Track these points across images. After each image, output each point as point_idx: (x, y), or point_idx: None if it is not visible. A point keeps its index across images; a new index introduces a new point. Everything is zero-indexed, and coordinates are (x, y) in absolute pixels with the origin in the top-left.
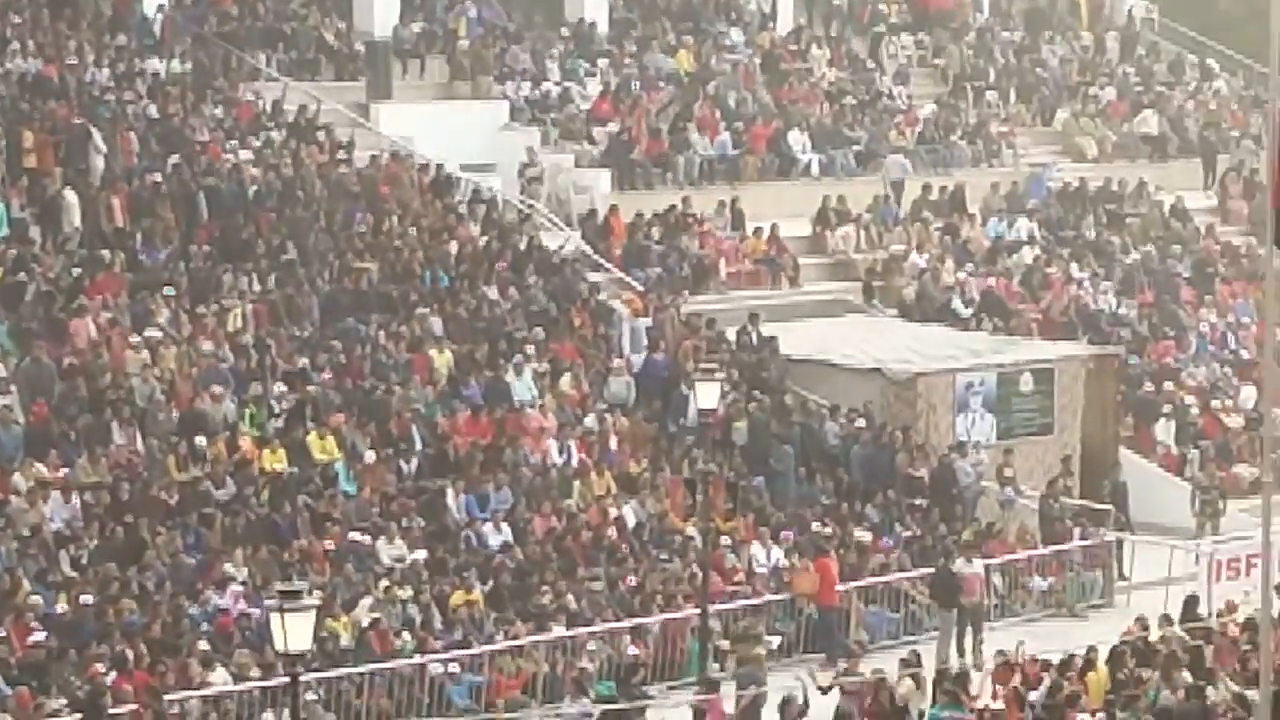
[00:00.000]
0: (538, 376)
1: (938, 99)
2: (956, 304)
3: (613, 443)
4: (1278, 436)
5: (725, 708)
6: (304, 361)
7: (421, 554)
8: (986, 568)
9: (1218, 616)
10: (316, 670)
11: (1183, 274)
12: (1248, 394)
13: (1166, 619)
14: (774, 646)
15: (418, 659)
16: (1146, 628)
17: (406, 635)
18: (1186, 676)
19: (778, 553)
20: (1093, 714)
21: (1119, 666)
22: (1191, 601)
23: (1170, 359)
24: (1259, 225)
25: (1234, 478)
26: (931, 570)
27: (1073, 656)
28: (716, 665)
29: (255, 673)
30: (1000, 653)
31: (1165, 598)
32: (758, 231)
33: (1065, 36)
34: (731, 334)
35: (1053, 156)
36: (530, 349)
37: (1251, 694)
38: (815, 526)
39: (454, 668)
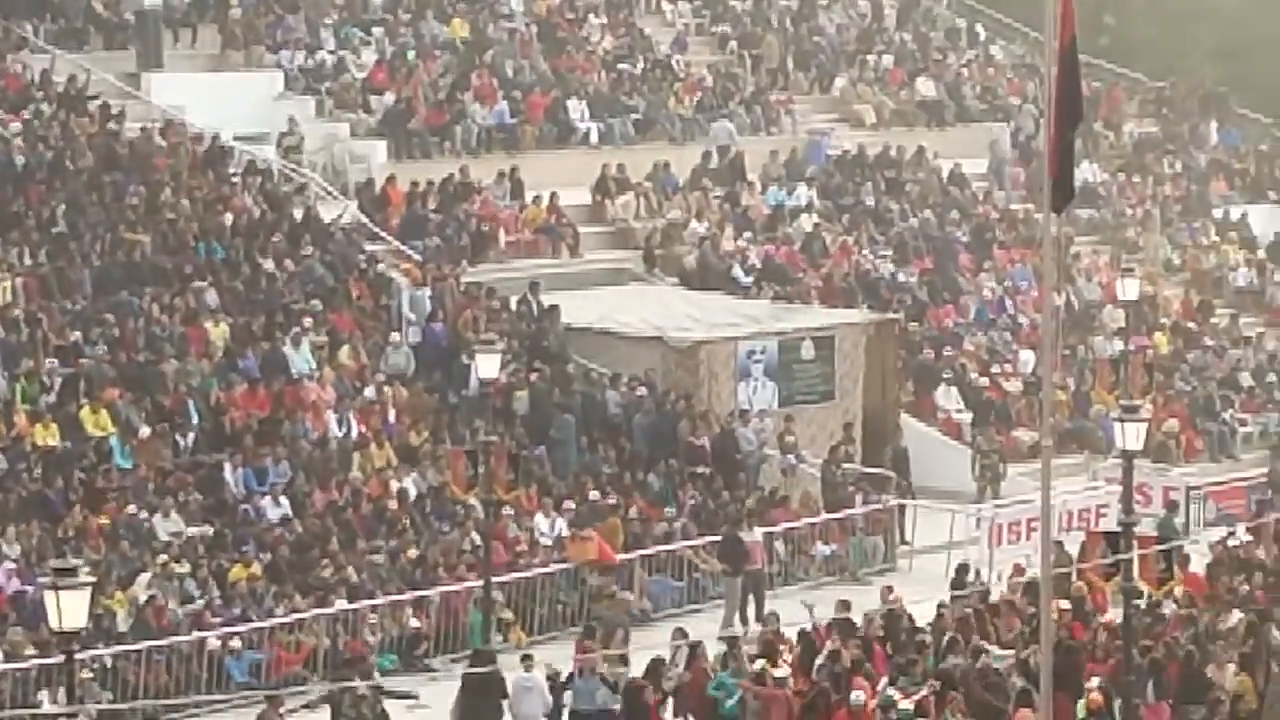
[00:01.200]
0: (316, 348)
1: (716, 66)
2: (737, 271)
3: (392, 414)
4: (1055, 400)
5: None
6: (76, 335)
7: (199, 529)
8: (769, 535)
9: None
10: (93, 648)
11: (961, 240)
12: (1026, 358)
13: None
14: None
15: (196, 635)
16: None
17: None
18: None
19: (560, 522)
20: (876, 679)
21: (900, 631)
22: (962, 569)
23: (950, 324)
24: (1037, 191)
25: (1013, 442)
26: (715, 538)
27: (854, 622)
28: (499, 636)
29: (30, 651)
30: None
31: (947, 562)
32: (537, 200)
33: (843, 4)
34: (512, 303)
35: (831, 124)
36: (308, 321)
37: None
38: (597, 496)
39: (234, 643)
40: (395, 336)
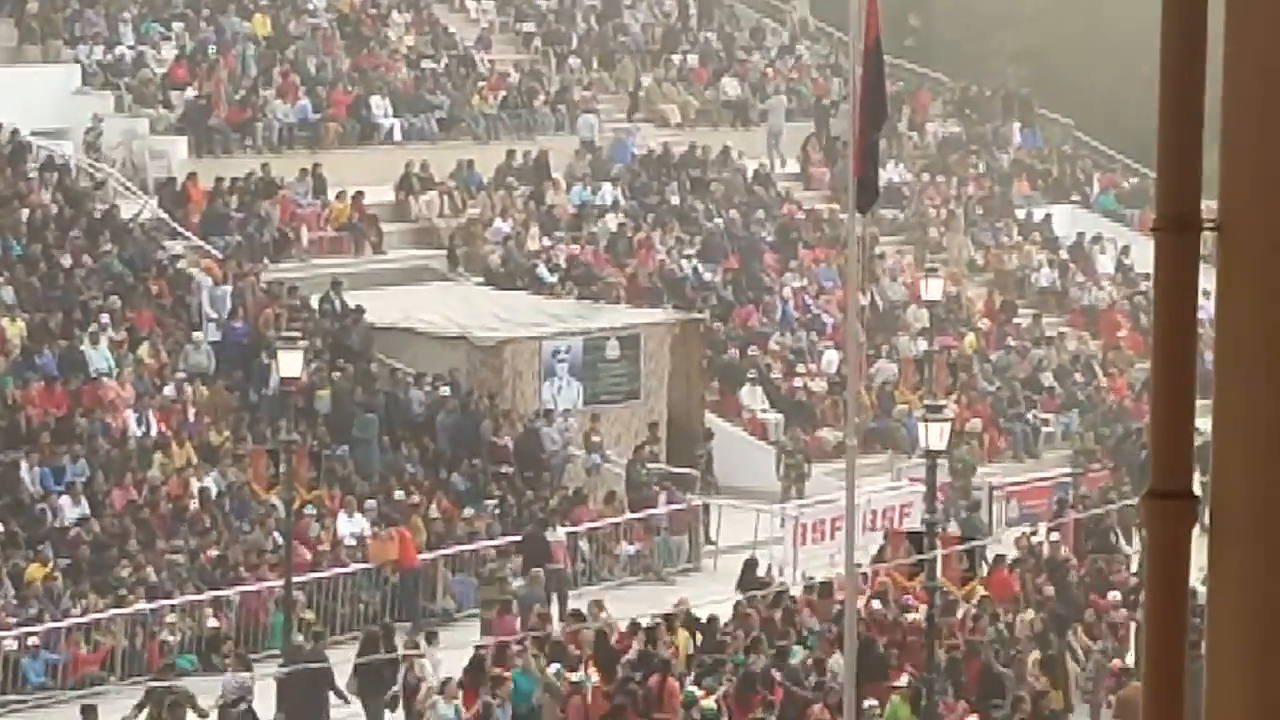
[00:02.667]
0: (114, 345)
1: (520, 65)
2: (542, 270)
3: (193, 412)
4: (860, 400)
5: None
6: None
7: None
8: (573, 534)
9: (804, 581)
10: None
11: (766, 239)
12: (831, 358)
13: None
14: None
15: None
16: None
17: None
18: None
19: (363, 522)
20: (680, 678)
21: (704, 632)
22: (750, 565)
23: (754, 324)
24: (841, 191)
25: (818, 441)
26: (518, 538)
27: (659, 622)
28: (300, 636)
29: None
30: (575, 613)
31: (757, 560)
32: (340, 197)
33: (648, 2)
34: (314, 301)
35: (636, 123)
36: (106, 318)
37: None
38: (400, 495)
39: (32, 642)
40: (196, 335)
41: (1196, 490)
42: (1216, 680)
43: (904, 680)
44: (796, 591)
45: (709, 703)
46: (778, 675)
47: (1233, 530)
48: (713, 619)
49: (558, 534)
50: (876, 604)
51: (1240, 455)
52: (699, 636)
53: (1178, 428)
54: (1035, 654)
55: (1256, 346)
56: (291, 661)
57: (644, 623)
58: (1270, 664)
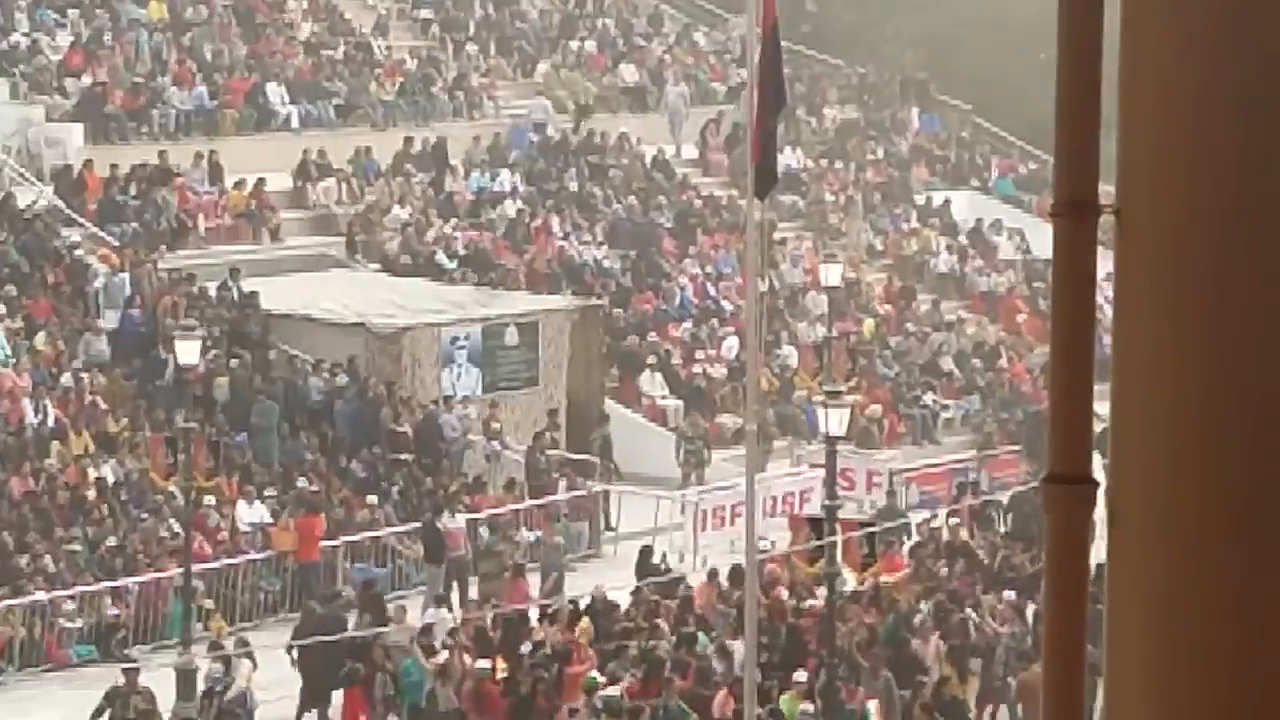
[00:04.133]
0: (11, 334)
1: (417, 51)
2: (441, 257)
3: (90, 401)
4: (759, 386)
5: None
6: None
7: None
8: (473, 521)
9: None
10: None
11: (665, 225)
12: (730, 344)
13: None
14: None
15: None
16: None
17: None
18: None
19: (262, 510)
20: (583, 665)
21: (605, 619)
22: (645, 551)
23: (653, 310)
24: (740, 177)
25: (718, 427)
26: (417, 525)
27: (557, 609)
28: (200, 625)
29: None
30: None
31: (653, 547)
32: (238, 185)
33: None
34: (212, 289)
35: (534, 108)
36: (2, 307)
37: (736, 644)
38: (300, 483)
39: None
40: (98, 323)
41: (1098, 475)
42: (1116, 665)
43: (801, 675)
44: (697, 580)
45: (612, 690)
46: (688, 661)
47: (1131, 515)
48: (613, 605)
49: (457, 521)
50: (780, 592)
51: (1139, 440)
52: (600, 623)
53: (1077, 412)
54: (936, 640)
55: (1155, 330)
56: (307, 625)
57: (547, 609)
58: (1169, 648)
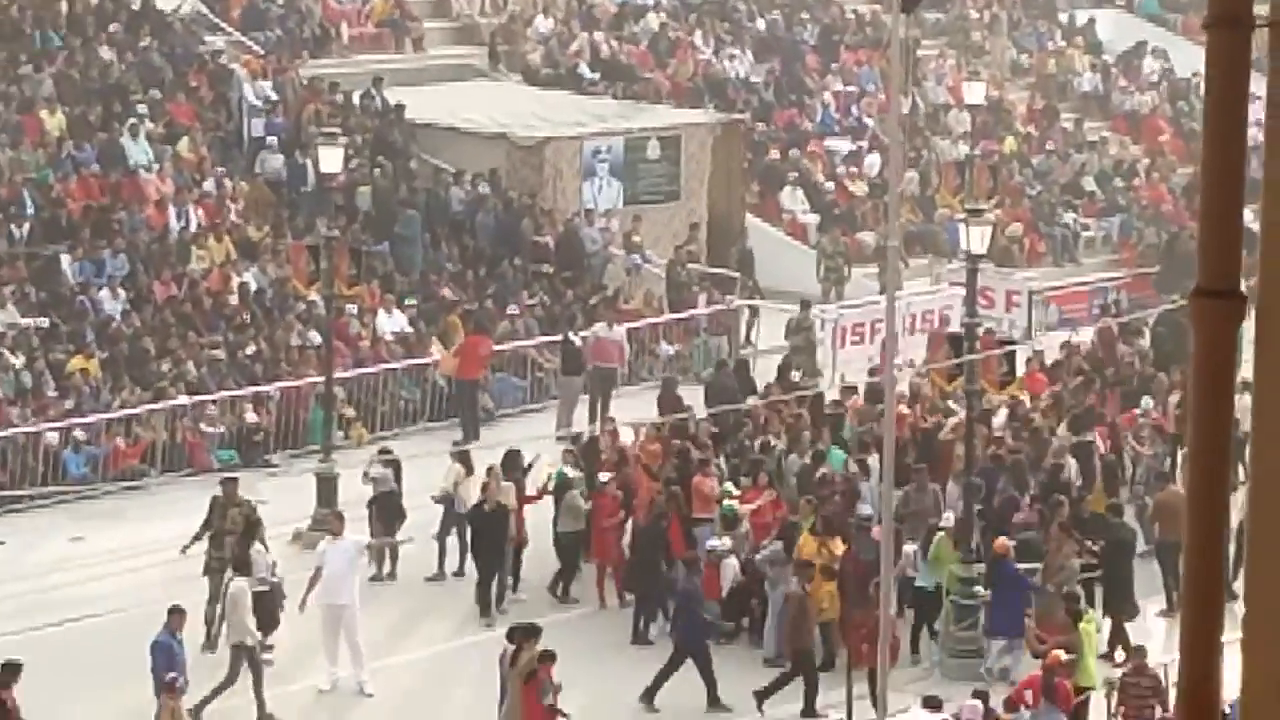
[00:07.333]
0: (154, 139)
1: None
2: (583, 69)
3: (233, 207)
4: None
5: None
6: None
7: (35, 320)
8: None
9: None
10: None
11: (809, 41)
12: (871, 161)
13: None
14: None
15: (32, 427)
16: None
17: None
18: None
19: (402, 319)
20: (719, 480)
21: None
22: (785, 366)
23: (796, 126)
24: None
25: (858, 244)
26: (557, 338)
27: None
28: (341, 433)
29: None
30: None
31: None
32: None
33: None
34: (355, 98)
35: None
36: (145, 110)
37: (872, 459)
38: (448, 294)
39: (79, 434)
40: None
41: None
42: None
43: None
44: (834, 394)
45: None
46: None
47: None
48: (747, 417)
49: (615, 332)
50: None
51: None
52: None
53: (1227, 227)
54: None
55: None
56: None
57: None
58: None
